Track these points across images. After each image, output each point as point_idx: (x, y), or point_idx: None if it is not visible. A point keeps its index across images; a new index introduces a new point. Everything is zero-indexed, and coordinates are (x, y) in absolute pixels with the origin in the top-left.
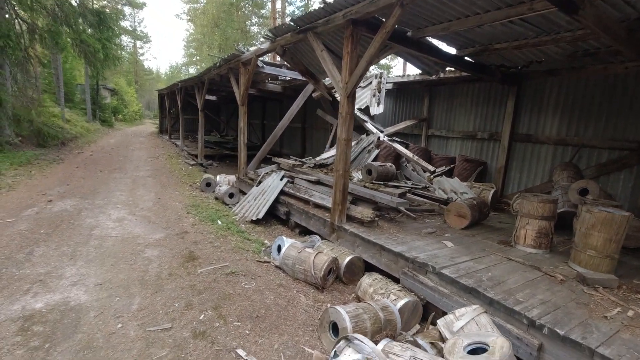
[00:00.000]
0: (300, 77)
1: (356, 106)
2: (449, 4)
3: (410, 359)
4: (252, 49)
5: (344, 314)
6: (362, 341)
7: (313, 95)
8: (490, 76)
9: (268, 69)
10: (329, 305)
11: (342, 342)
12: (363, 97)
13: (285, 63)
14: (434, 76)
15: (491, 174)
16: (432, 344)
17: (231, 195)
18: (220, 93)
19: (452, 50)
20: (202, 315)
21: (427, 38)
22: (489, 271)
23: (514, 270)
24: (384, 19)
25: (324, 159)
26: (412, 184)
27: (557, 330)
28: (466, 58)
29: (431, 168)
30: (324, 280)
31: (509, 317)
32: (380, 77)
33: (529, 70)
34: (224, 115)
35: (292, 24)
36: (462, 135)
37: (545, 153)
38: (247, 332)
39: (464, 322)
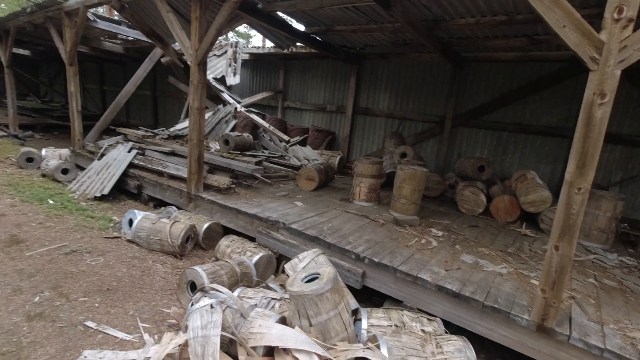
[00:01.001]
0: (146, 39)
1: (211, 75)
2: None
3: (261, 299)
4: None
5: (201, 272)
6: (218, 290)
7: (162, 60)
8: (335, 54)
9: (103, 25)
10: None
11: (198, 294)
12: (218, 66)
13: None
14: (286, 50)
15: (339, 143)
16: (281, 285)
17: (65, 171)
18: (36, 47)
19: (302, 27)
20: (37, 298)
21: (278, 13)
22: (329, 222)
23: (349, 220)
24: None
25: (179, 130)
26: (269, 153)
27: (374, 259)
28: (314, 36)
29: (286, 138)
30: (182, 248)
31: (343, 255)
32: (236, 47)
33: (366, 52)
34: (44, 75)
35: None
36: (314, 108)
37: (379, 124)
38: (97, 305)
39: (306, 263)
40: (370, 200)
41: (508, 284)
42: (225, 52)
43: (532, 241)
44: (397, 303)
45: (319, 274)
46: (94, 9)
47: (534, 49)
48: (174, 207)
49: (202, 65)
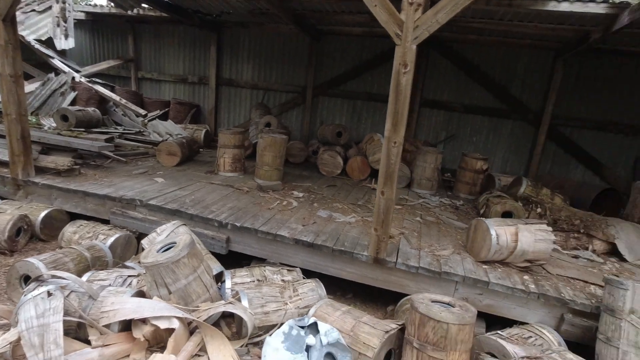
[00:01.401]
0: None
1: (32, 36)
2: None
3: (116, 278)
4: None
5: (36, 262)
6: (58, 276)
7: None
8: (189, 20)
9: None
10: None
11: (32, 284)
12: (42, 25)
13: None
14: (130, 11)
15: (205, 116)
16: (139, 262)
17: None
18: None
19: None
20: None
21: None
22: (192, 195)
23: (214, 191)
24: None
25: None
26: (124, 130)
27: (237, 224)
28: None
29: (143, 112)
30: (11, 243)
31: (206, 224)
32: (64, 3)
33: (225, 20)
34: None
35: None
36: (174, 79)
37: (245, 95)
38: None
39: (165, 235)
40: (236, 170)
41: (355, 230)
42: (50, 7)
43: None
44: (262, 261)
45: (175, 243)
46: None
47: (377, 26)
48: None
49: (10, 21)
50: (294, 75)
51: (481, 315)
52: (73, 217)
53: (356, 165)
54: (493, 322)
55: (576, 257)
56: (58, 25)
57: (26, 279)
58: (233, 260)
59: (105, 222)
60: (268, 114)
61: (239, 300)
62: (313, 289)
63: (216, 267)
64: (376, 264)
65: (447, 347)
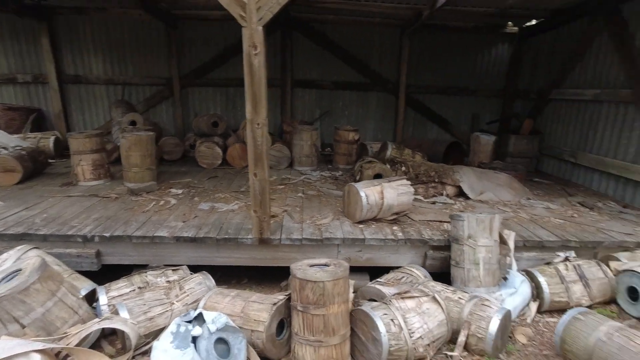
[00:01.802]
0: None
1: None
2: None
3: None
4: None
5: None
6: None
7: None
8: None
9: None
10: None
11: None
12: None
13: None
14: None
15: (51, 121)
16: None
17: None
18: None
19: None
20: None
21: None
22: (44, 213)
23: (73, 204)
24: None
25: None
26: None
27: (105, 234)
28: None
29: None
30: None
31: (67, 242)
32: None
33: (56, 6)
34: None
35: None
36: None
37: (100, 93)
38: None
39: (9, 264)
40: (100, 177)
41: (238, 216)
42: None
43: None
44: (145, 267)
45: (21, 269)
46: None
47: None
48: None
49: None
50: (155, 67)
51: (365, 269)
52: None
53: (236, 153)
54: (376, 273)
55: (434, 203)
56: None
57: None
58: (111, 274)
59: None
60: (132, 111)
61: (117, 313)
62: (200, 282)
63: (86, 286)
64: (262, 245)
65: (326, 303)
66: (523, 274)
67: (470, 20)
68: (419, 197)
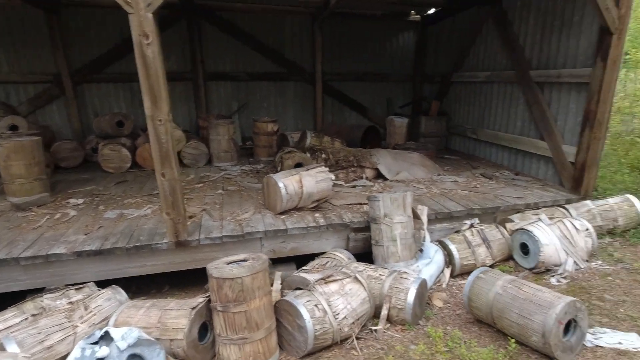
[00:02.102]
0: None
1: None
2: None
3: None
4: None
5: None
6: None
7: None
8: None
9: None
10: None
11: None
12: None
13: None
14: None
15: None
16: None
17: None
18: None
19: None
20: None
21: None
22: None
23: None
24: None
25: None
26: None
27: None
28: None
29: None
30: None
31: None
32: None
33: None
34: None
35: None
36: None
37: None
38: None
39: None
40: None
41: (151, 221)
42: None
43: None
44: (41, 291)
45: None
46: None
47: None
48: None
49: None
50: (38, 61)
51: (291, 259)
52: None
53: (147, 153)
54: (303, 261)
55: (354, 186)
56: None
57: None
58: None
59: None
60: (12, 114)
61: (4, 349)
62: (110, 298)
63: None
64: (180, 248)
65: (247, 298)
66: (437, 244)
67: (377, 8)
68: (340, 182)
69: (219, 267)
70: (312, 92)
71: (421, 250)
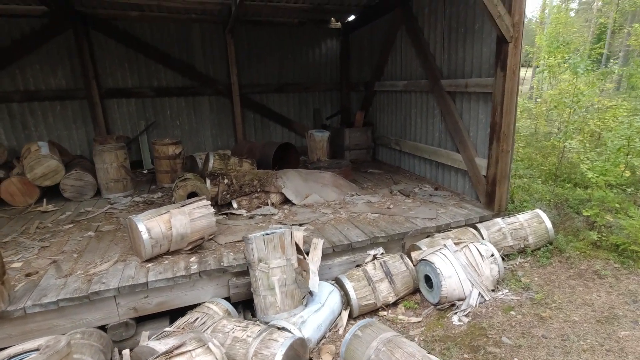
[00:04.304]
0: None
1: None
2: None
3: None
4: None
5: None
6: None
7: None
8: None
9: None
10: None
11: None
12: None
13: None
14: None
15: None
16: None
17: None
18: None
19: None
20: None
21: None
22: None
23: None
24: None
25: None
26: None
27: None
28: None
29: None
30: None
31: None
32: None
33: None
34: None
35: None
36: None
37: None
38: None
39: None
40: None
41: None
42: None
43: (52, 216)
44: None
45: None
46: None
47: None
48: None
49: None
50: None
51: (164, 314)
52: None
53: (15, 188)
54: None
55: (252, 217)
56: None
57: None
58: None
59: None
60: None
61: None
62: None
63: None
64: None
65: None
66: (332, 284)
67: (291, 15)
68: (241, 211)
69: None
70: (229, 107)
71: (311, 294)
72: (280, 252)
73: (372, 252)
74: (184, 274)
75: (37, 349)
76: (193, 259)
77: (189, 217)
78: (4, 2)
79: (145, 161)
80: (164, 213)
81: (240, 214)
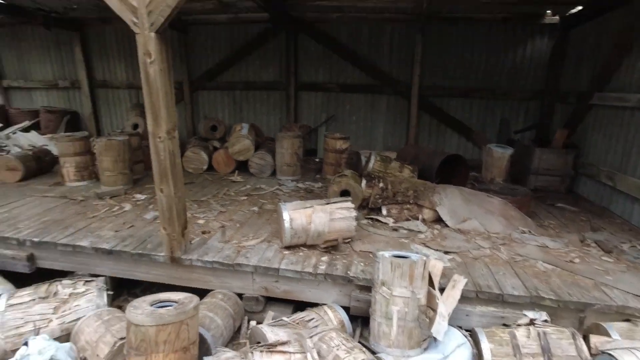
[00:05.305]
0: None
1: None
2: None
3: None
4: None
5: None
6: None
7: None
8: (31, 19)
9: None
10: None
11: None
12: None
13: None
14: None
15: (85, 122)
16: None
17: None
18: None
19: None
20: None
21: None
22: (7, 213)
23: (40, 205)
24: None
25: None
26: None
27: (35, 239)
28: None
29: None
30: None
31: (6, 244)
32: None
33: (86, 17)
34: None
35: None
36: (44, 85)
37: (123, 96)
38: None
39: None
40: (83, 178)
41: None
42: None
43: (237, 186)
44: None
45: None
46: None
47: (228, 11)
48: None
49: None
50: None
51: (290, 302)
52: None
53: (221, 158)
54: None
55: (397, 229)
56: None
57: None
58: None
59: None
60: (143, 115)
61: None
62: (90, 300)
63: None
64: (174, 264)
65: (147, 351)
66: (465, 335)
67: (495, 10)
68: (388, 219)
69: (137, 305)
70: (406, 108)
71: (435, 339)
72: (407, 281)
73: (531, 315)
74: (310, 271)
75: (176, 302)
76: (324, 258)
77: (329, 216)
78: (244, 12)
79: (319, 150)
80: (308, 207)
81: (385, 223)
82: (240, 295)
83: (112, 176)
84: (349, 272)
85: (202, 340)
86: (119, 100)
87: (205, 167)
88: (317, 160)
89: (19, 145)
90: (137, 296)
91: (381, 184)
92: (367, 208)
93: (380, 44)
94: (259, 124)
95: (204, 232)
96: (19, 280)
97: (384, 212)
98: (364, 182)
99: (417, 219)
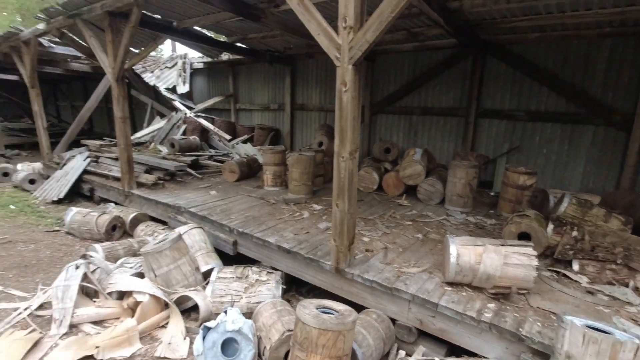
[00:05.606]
0: None
1: (163, 85)
2: (182, 4)
3: (136, 263)
4: (29, 29)
5: (97, 247)
6: (92, 256)
7: None
8: (262, 58)
9: (59, 49)
10: None
11: (80, 260)
12: (170, 77)
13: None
14: (228, 56)
15: (283, 138)
16: None
17: (32, 182)
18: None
19: (223, 38)
20: None
21: (196, 27)
22: (226, 205)
23: (246, 202)
24: None
25: (138, 138)
26: (216, 152)
27: (241, 229)
28: (239, 44)
29: (228, 137)
30: (108, 235)
31: (221, 229)
32: (185, 58)
33: (297, 54)
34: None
35: (61, 8)
36: (260, 107)
37: (314, 118)
38: (11, 276)
39: (175, 235)
40: (277, 185)
41: None
42: (176, 64)
43: (404, 210)
44: (259, 263)
45: (166, 239)
46: (48, 36)
47: (414, 40)
48: (111, 204)
49: (121, 81)
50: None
51: (444, 342)
52: (153, 218)
53: (391, 181)
54: (459, 352)
55: (591, 292)
56: (180, 76)
57: None
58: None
59: (166, 223)
60: (328, 134)
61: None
62: (270, 289)
63: (212, 263)
64: (337, 274)
65: (308, 349)
66: None
67: None
68: (581, 276)
69: (305, 306)
70: (621, 142)
71: None
72: None
73: None
74: (473, 316)
75: (337, 311)
76: (491, 305)
77: (503, 260)
78: (430, 40)
79: (496, 183)
80: (479, 245)
81: (577, 281)
82: (393, 321)
83: (297, 186)
84: (521, 330)
85: (353, 355)
86: (310, 121)
87: (375, 187)
88: (491, 194)
89: (239, 153)
90: (302, 295)
91: (575, 233)
92: (552, 258)
93: (590, 63)
94: (431, 150)
95: (367, 250)
96: (225, 259)
97: (576, 267)
98: (550, 226)
99: (627, 285)
